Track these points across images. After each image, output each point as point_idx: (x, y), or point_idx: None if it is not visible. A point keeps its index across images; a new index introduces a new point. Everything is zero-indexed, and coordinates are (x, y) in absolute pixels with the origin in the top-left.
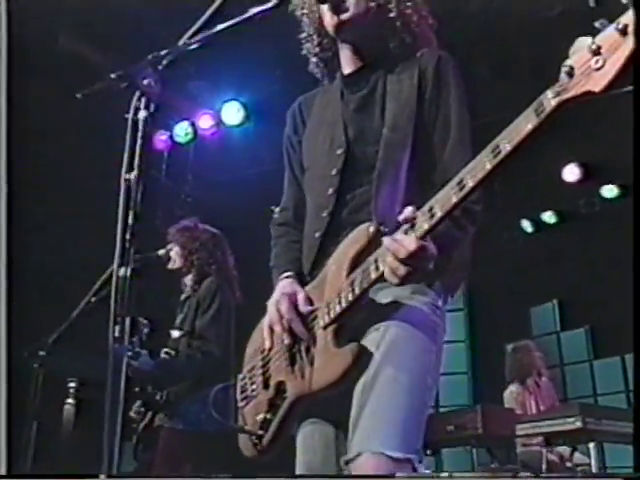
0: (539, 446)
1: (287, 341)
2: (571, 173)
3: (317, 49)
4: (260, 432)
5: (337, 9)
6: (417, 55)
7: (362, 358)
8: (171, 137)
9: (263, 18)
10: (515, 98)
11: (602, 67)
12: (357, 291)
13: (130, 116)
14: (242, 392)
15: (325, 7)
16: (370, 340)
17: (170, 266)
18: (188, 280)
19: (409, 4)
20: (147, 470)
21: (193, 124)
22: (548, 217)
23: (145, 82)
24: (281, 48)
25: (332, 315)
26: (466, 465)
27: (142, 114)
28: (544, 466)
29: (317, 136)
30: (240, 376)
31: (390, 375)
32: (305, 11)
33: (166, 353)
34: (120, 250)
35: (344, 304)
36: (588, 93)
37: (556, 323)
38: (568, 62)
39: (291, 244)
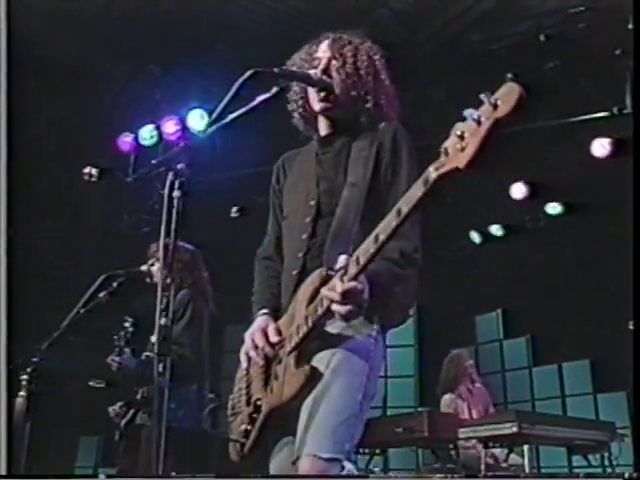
0: (477, 448)
1: (261, 363)
2: (519, 190)
3: (301, 111)
4: (243, 440)
5: (325, 97)
6: (379, 127)
7: (313, 377)
8: (136, 139)
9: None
10: None
11: (464, 149)
12: (310, 324)
13: (166, 193)
14: (232, 409)
15: (314, 90)
16: (320, 361)
17: (152, 281)
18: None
19: (383, 97)
20: (133, 468)
21: (158, 128)
22: (495, 230)
23: (179, 166)
24: (245, 59)
25: (293, 344)
26: (411, 464)
27: (176, 194)
28: (482, 466)
29: (296, 188)
30: (231, 396)
31: (326, 392)
32: (294, 97)
33: (146, 357)
34: (161, 307)
35: (301, 335)
36: (456, 168)
37: (499, 331)
38: (444, 144)
39: (270, 279)
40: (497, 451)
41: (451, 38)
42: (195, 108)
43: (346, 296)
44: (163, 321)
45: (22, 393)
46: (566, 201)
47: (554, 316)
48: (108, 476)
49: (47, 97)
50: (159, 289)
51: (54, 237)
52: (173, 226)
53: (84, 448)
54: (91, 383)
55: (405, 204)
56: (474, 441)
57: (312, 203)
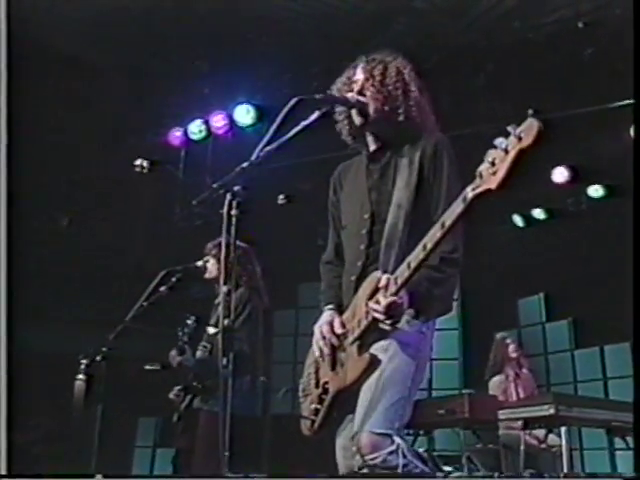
0: (518, 429)
1: (327, 351)
2: (560, 174)
3: (347, 129)
4: (313, 417)
5: (362, 114)
6: (420, 138)
7: (373, 363)
8: (185, 134)
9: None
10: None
11: (495, 173)
12: (369, 319)
13: (225, 212)
14: (302, 391)
15: (354, 111)
16: (377, 350)
17: (206, 276)
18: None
19: (414, 108)
20: (188, 449)
21: (207, 122)
22: (538, 214)
23: (236, 189)
24: (290, 54)
25: (355, 334)
26: (455, 445)
27: (234, 212)
28: (522, 447)
29: (352, 201)
30: (301, 380)
31: (381, 377)
32: (340, 118)
33: (203, 347)
34: (223, 309)
35: (362, 327)
36: (489, 190)
37: (541, 314)
38: (479, 168)
39: (334, 279)
40: (538, 432)
41: (489, 26)
42: (241, 103)
43: (387, 310)
44: (226, 322)
45: (81, 377)
46: (608, 184)
47: (596, 299)
48: (105, 476)
49: (96, 93)
50: (221, 296)
51: (105, 228)
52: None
53: (143, 428)
54: (147, 367)
55: (449, 218)
56: (515, 422)
57: (366, 216)
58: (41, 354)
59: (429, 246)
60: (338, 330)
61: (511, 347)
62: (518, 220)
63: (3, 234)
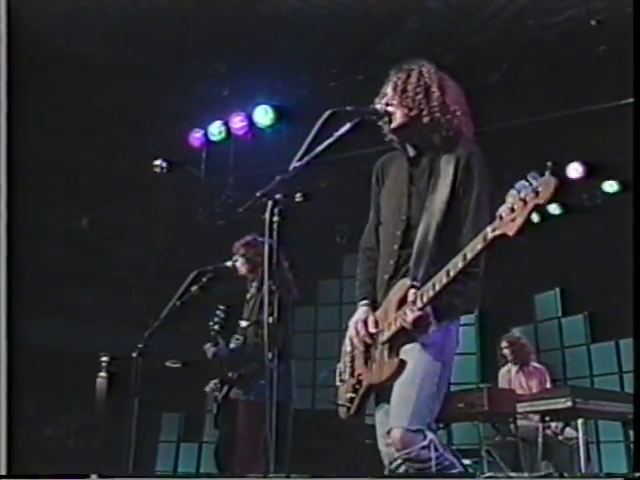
0: (536, 422)
1: (361, 348)
2: (575, 170)
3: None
4: (348, 404)
5: (389, 120)
6: (455, 149)
7: (401, 368)
8: (205, 135)
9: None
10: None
11: (514, 220)
12: (398, 325)
13: (267, 218)
14: (339, 376)
15: (384, 121)
16: (407, 352)
17: (237, 274)
18: (253, 284)
19: (437, 108)
20: (229, 439)
21: (226, 124)
22: (553, 209)
23: (277, 196)
24: (307, 54)
25: (387, 336)
26: (473, 438)
27: (276, 219)
28: (540, 439)
29: (390, 199)
30: (338, 365)
31: (411, 377)
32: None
33: (236, 339)
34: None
35: (393, 330)
36: (505, 235)
37: (557, 309)
38: (501, 210)
39: (371, 269)
40: (554, 425)
41: (503, 25)
42: (260, 104)
43: (415, 324)
44: (271, 320)
45: (102, 374)
46: (622, 179)
47: (611, 294)
48: (100, 476)
49: (116, 94)
50: (266, 299)
51: (123, 227)
52: (275, 246)
53: (167, 423)
54: (168, 363)
55: (470, 251)
56: (533, 415)
57: (403, 217)
58: (67, 352)
59: (452, 273)
60: (372, 329)
61: (526, 342)
62: (533, 215)
63: (3, 233)
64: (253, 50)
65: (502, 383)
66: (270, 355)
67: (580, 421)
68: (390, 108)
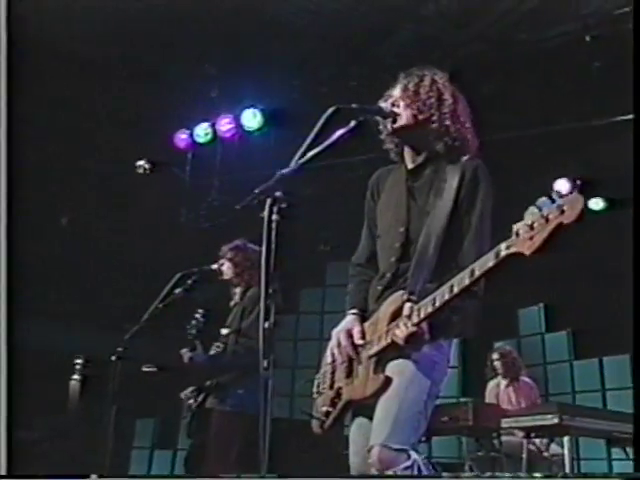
0: (520, 437)
1: (340, 361)
2: (562, 186)
3: (391, 146)
4: (323, 419)
5: (393, 120)
6: (460, 160)
7: (387, 385)
8: (191, 136)
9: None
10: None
11: (532, 238)
12: (389, 340)
13: (265, 216)
14: (317, 387)
15: (388, 121)
16: (394, 368)
17: (222, 278)
18: (237, 290)
19: (448, 116)
20: (201, 449)
21: (213, 125)
22: None
23: (277, 194)
24: (299, 59)
25: (374, 350)
26: (453, 452)
27: (275, 217)
28: (524, 455)
29: (387, 211)
30: (317, 375)
31: (397, 394)
32: (380, 124)
33: (217, 347)
34: (264, 310)
35: (382, 344)
36: (521, 253)
37: (541, 325)
38: (517, 226)
39: (361, 283)
40: (538, 441)
41: (497, 37)
42: (249, 107)
43: (409, 339)
44: (267, 325)
45: (76, 377)
46: (609, 196)
47: (595, 310)
48: (100, 476)
49: (101, 92)
50: (262, 303)
51: (104, 228)
52: (273, 247)
53: (141, 429)
54: (144, 368)
55: (479, 268)
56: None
57: (401, 230)
58: (42, 352)
59: (455, 290)
60: (358, 341)
61: (517, 357)
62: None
63: (3, 233)
64: (244, 53)
65: (490, 397)
66: (265, 363)
67: (566, 438)
68: (396, 108)
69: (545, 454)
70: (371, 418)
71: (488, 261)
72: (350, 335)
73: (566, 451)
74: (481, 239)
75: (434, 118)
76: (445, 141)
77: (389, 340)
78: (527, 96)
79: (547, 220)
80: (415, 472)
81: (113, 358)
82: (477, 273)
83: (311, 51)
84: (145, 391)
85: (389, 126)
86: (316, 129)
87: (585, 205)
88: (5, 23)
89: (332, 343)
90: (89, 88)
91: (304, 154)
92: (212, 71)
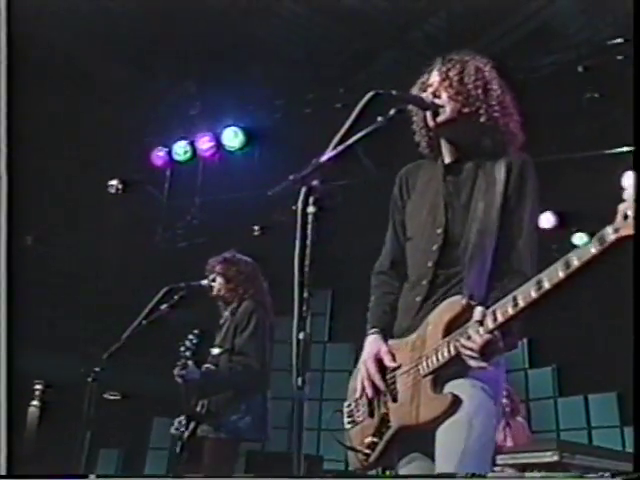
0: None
1: (370, 394)
2: (547, 220)
3: (424, 132)
4: (368, 451)
5: (435, 113)
6: (505, 155)
7: (454, 405)
8: (169, 154)
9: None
10: None
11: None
12: (452, 352)
13: (300, 208)
14: (349, 417)
15: (428, 113)
16: (456, 388)
17: (213, 293)
18: (228, 307)
19: (497, 108)
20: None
21: (192, 144)
22: None
23: (314, 183)
24: (284, 79)
25: (430, 367)
26: None
27: (311, 209)
28: None
29: (421, 210)
30: (346, 403)
31: (468, 419)
32: (413, 113)
33: (206, 368)
34: (298, 318)
35: (441, 360)
36: (629, 237)
37: (525, 360)
38: (623, 207)
39: (385, 295)
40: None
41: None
42: (230, 126)
43: (484, 348)
44: (302, 335)
45: (35, 403)
46: (593, 231)
47: (580, 347)
48: (98, 476)
49: (74, 106)
50: (296, 309)
51: (74, 247)
52: (309, 242)
53: (104, 459)
54: (106, 395)
55: (576, 258)
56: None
57: (439, 231)
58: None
59: (546, 285)
60: (388, 364)
61: (516, 396)
62: None
63: None
64: (225, 70)
65: None
66: (300, 381)
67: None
68: (438, 100)
69: None
70: (427, 454)
71: (589, 249)
72: (378, 360)
73: None
74: (532, 240)
75: (481, 111)
76: (492, 136)
77: (453, 353)
78: None
79: (626, 217)
80: None
81: (89, 379)
82: (575, 263)
83: (296, 71)
84: (108, 419)
85: (430, 120)
86: (354, 115)
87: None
88: None
89: (361, 376)
90: (61, 102)
91: (341, 142)
92: (192, 89)
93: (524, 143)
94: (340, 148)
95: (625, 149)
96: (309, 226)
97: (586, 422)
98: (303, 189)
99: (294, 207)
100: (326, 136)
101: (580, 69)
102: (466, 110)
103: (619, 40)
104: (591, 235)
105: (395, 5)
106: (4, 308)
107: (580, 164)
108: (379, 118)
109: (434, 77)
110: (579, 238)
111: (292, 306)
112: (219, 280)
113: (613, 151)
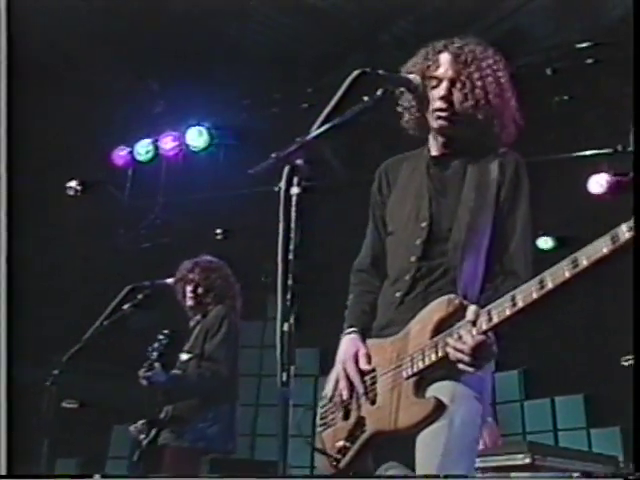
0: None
1: (346, 396)
2: None
3: (413, 119)
4: (338, 456)
5: (444, 113)
6: (498, 152)
7: (438, 409)
8: (131, 154)
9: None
10: None
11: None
12: (440, 354)
13: (282, 189)
14: (322, 419)
15: (435, 114)
16: (439, 391)
17: (189, 304)
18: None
19: (509, 116)
20: None
21: (155, 143)
22: None
23: (298, 162)
24: (250, 79)
25: (415, 369)
26: None
27: (294, 190)
28: None
29: (404, 204)
30: (320, 404)
31: (451, 421)
32: (406, 104)
33: (174, 374)
34: (282, 308)
35: (427, 362)
36: None
37: (491, 364)
38: None
39: (365, 294)
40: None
41: None
42: (194, 125)
43: (475, 351)
44: (286, 326)
45: None
46: (558, 235)
47: (546, 349)
48: (103, 476)
49: (32, 104)
50: (279, 299)
51: (34, 249)
52: (292, 225)
53: (61, 469)
54: (64, 404)
55: (585, 257)
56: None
57: (424, 225)
58: None
59: (550, 285)
60: (364, 366)
61: None
62: None
63: None
64: (190, 69)
65: None
66: (284, 376)
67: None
68: (443, 92)
69: None
70: (406, 463)
71: (601, 247)
72: (356, 361)
73: None
74: (526, 241)
75: (495, 121)
76: (487, 130)
77: (440, 354)
78: None
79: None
80: None
81: (47, 383)
82: (584, 263)
83: (262, 71)
84: (65, 428)
85: (436, 117)
86: (339, 94)
87: None
88: None
89: (336, 374)
90: (19, 99)
91: (324, 122)
92: (155, 87)
93: (515, 139)
94: (326, 126)
95: (593, 152)
96: (293, 209)
97: (552, 424)
98: (286, 168)
99: (276, 188)
100: (293, 136)
101: (549, 72)
102: (480, 117)
103: (588, 44)
104: (557, 239)
105: (362, 7)
106: None
107: (548, 167)
108: (365, 98)
109: (445, 70)
110: (544, 242)
111: (256, 311)
112: (200, 290)
113: (581, 154)
